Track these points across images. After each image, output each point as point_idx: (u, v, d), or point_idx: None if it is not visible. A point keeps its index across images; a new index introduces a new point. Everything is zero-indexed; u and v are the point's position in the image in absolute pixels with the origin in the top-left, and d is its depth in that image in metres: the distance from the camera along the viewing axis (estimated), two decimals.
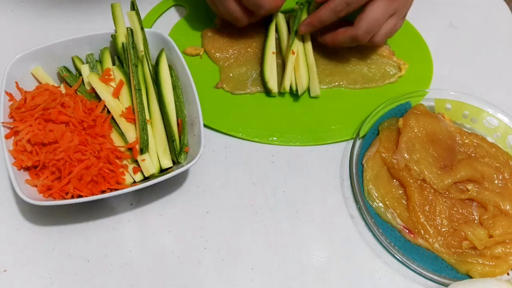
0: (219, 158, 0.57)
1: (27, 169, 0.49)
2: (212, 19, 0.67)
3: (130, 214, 0.52)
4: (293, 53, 0.61)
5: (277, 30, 0.65)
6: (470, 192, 0.53)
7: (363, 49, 0.65)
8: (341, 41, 0.59)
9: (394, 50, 0.66)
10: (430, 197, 0.53)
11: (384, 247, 0.51)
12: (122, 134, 0.52)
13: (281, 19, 0.65)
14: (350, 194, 0.55)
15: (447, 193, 0.53)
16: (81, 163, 0.48)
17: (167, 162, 0.52)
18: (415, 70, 0.65)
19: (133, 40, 0.55)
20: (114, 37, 0.57)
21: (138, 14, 0.57)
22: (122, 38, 0.56)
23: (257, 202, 0.54)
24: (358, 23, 0.56)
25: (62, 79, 0.56)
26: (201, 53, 0.64)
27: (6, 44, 0.63)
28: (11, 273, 0.48)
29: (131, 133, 0.52)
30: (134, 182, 0.52)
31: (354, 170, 0.55)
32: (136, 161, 0.52)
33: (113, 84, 0.55)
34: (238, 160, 0.57)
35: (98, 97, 0.53)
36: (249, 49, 0.65)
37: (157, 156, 0.52)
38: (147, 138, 0.51)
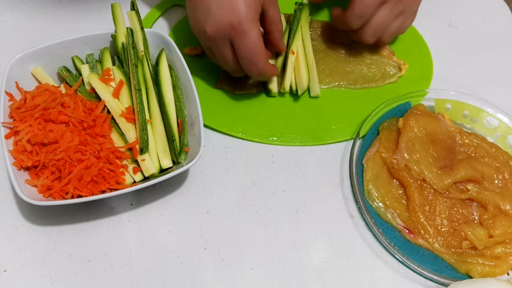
0: (219, 158, 0.57)
1: (27, 169, 0.49)
2: None
3: (130, 214, 0.52)
4: (293, 53, 0.61)
5: None
6: (470, 192, 0.53)
7: (363, 49, 0.65)
8: (352, 36, 0.61)
9: (394, 50, 0.66)
10: (430, 197, 0.53)
11: (384, 247, 0.51)
12: (122, 134, 0.52)
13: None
14: (350, 194, 0.55)
15: (447, 193, 0.53)
16: (81, 163, 0.48)
17: (167, 162, 0.52)
18: (415, 70, 0.65)
19: (133, 40, 0.55)
20: (114, 37, 0.57)
21: (138, 14, 0.57)
22: (122, 38, 0.56)
23: (257, 202, 0.54)
24: (364, 28, 0.58)
25: (62, 79, 0.57)
26: (201, 53, 0.64)
27: (6, 44, 0.63)
28: (11, 273, 0.48)
29: (131, 133, 0.52)
30: (134, 182, 0.52)
31: (354, 170, 0.55)
32: (136, 161, 0.52)
33: (113, 84, 0.55)
34: (238, 160, 0.57)
35: (98, 97, 0.53)
36: None
37: (157, 156, 0.52)
38: (147, 138, 0.51)
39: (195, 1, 0.52)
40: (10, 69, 0.52)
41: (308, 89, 0.61)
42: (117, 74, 0.55)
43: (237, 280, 0.49)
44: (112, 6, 0.57)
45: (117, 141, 0.52)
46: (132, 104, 0.54)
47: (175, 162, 0.53)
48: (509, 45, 0.69)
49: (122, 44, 0.56)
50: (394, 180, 0.55)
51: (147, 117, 0.53)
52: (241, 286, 0.49)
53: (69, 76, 0.55)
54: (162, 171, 0.53)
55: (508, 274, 0.50)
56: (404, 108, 0.60)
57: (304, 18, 0.64)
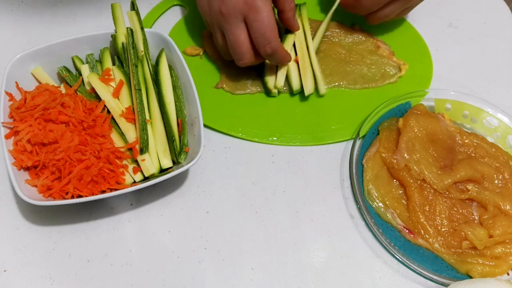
0: (219, 158, 0.57)
1: (27, 169, 0.49)
2: None
3: (130, 214, 0.52)
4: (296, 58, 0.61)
5: None
6: (470, 192, 0.53)
7: (363, 49, 0.65)
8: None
9: (394, 51, 0.66)
10: (430, 197, 0.53)
11: (384, 247, 0.51)
12: (122, 134, 0.52)
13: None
14: (350, 194, 0.55)
15: (447, 193, 0.53)
16: (81, 163, 0.48)
17: (167, 162, 0.52)
18: (415, 70, 0.65)
19: (133, 40, 0.55)
20: (114, 37, 0.57)
21: (138, 14, 0.57)
22: (122, 38, 0.56)
23: (257, 202, 0.54)
24: (369, 15, 0.61)
25: (62, 79, 0.57)
26: (201, 53, 0.64)
27: (6, 44, 0.63)
28: (11, 273, 0.48)
29: (131, 133, 0.52)
30: (134, 182, 0.52)
31: (354, 170, 0.55)
32: (136, 161, 0.52)
33: (113, 84, 0.55)
34: (238, 160, 0.57)
35: (98, 97, 0.53)
36: None
37: (157, 156, 0.52)
38: (147, 138, 0.51)
39: None
40: (10, 69, 0.51)
41: (316, 89, 0.62)
42: (117, 74, 0.55)
43: (237, 280, 0.49)
44: (112, 6, 0.57)
45: (117, 141, 0.52)
46: (132, 104, 0.54)
47: (175, 162, 0.53)
48: (509, 45, 0.69)
49: (122, 44, 0.56)
50: (394, 180, 0.55)
51: (147, 117, 0.53)
52: (241, 286, 0.49)
53: (69, 76, 0.55)
54: (162, 171, 0.53)
55: (508, 274, 0.50)
56: (404, 108, 0.60)
57: (305, 17, 0.64)
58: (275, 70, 0.61)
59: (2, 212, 0.52)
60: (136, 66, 0.54)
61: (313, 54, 0.62)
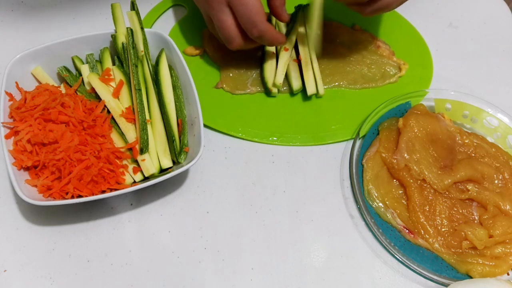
0: (219, 158, 0.57)
1: (27, 169, 0.49)
2: None
3: (130, 214, 0.52)
4: (286, 49, 0.61)
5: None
6: (470, 192, 0.53)
7: (363, 49, 0.65)
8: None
9: (394, 50, 0.66)
10: (430, 197, 0.53)
11: (384, 247, 0.51)
12: (122, 134, 0.52)
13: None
14: (350, 194, 0.55)
15: (447, 193, 0.53)
16: (81, 163, 0.48)
17: (167, 162, 0.52)
18: (415, 70, 0.65)
19: (133, 40, 0.55)
20: (114, 37, 0.57)
21: (138, 14, 0.57)
22: (122, 38, 0.56)
23: (257, 202, 0.54)
24: (366, 6, 0.55)
25: (62, 79, 0.56)
26: (201, 53, 0.64)
27: (6, 44, 0.63)
28: (11, 273, 0.48)
29: (131, 133, 0.52)
30: (134, 182, 0.52)
31: (354, 170, 0.55)
32: (136, 161, 0.52)
33: (113, 84, 0.55)
34: (238, 160, 0.57)
35: (98, 97, 0.53)
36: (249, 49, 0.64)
37: (157, 156, 0.52)
38: (147, 138, 0.51)
39: None
40: (10, 69, 0.51)
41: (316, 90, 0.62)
42: (117, 74, 0.55)
43: (237, 280, 0.49)
44: (112, 6, 0.57)
45: (117, 141, 0.52)
46: (132, 104, 0.54)
47: (175, 162, 0.53)
48: (509, 45, 0.69)
49: (122, 44, 0.56)
50: (394, 180, 0.55)
51: (147, 117, 0.53)
52: (241, 286, 0.49)
53: (69, 76, 0.55)
54: (162, 171, 0.53)
55: (508, 274, 0.50)
56: (404, 108, 0.60)
57: (310, 15, 0.64)
58: (274, 69, 0.61)
59: (2, 212, 0.51)
60: (136, 66, 0.54)
61: (313, 54, 0.62)
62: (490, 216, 0.52)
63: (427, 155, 0.55)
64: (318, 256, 0.51)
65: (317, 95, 0.61)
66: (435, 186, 0.53)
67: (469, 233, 0.51)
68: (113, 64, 0.57)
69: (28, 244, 0.50)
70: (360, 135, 0.57)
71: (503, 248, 0.51)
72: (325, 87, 0.62)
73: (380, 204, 0.53)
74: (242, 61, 0.63)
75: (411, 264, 0.50)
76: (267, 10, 0.68)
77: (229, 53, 0.63)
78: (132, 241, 0.51)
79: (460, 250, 0.51)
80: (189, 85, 0.54)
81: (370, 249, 0.52)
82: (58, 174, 0.48)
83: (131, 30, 0.56)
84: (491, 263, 0.50)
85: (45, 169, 0.48)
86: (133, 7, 0.58)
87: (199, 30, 0.66)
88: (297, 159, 0.57)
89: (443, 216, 0.52)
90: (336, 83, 0.63)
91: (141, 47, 0.56)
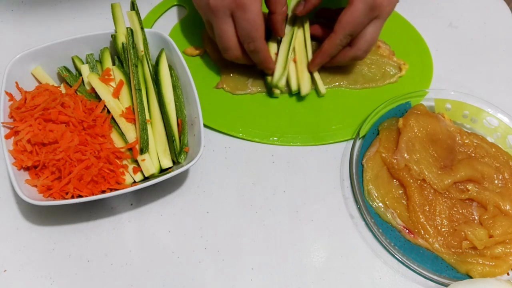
0: (219, 158, 0.57)
1: (27, 169, 0.49)
2: None
3: (130, 214, 0.52)
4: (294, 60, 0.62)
5: None
6: (470, 192, 0.53)
7: None
8: (341, 61, 0.60)
9: (394, 50, 0.66)
10: (430, 197, 0.53)
11: (384, 247, 0.51)
12: (122, 134, 0.52)
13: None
14: (350, 194, 0.55)
15: (447, 193, 0.53)
16: (81, 163, 0.48)
17: (167, 162, 0.52)
18: (415, 70, 0.65)
19: (133, 40, 0.55)
20: (114, 37, 0.57)
21: (138, 14, 0.57)
22: (122, 38, 0.56)
23: (257, 202, 0.54)
24: (357, 44, 0.57)
25: (62, 79, 0.57)
26: (201, 54, 0.64)
27: (6, 44, 0.63)
28: (11, 273, 0.48)
29: (131, 133, 0.52)
30: (134, 182, 0.52)
31: (354, 170, 0.55)
32: (136, 161, 0.52)
33: (113, 84, 0.55)
34: (238, 160, 0.57)
35: (98, 97, 0.53)
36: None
37: (157, 156, 0.52)
38: (147, 138, 0.51)
39: None
40: (10, 69, 0.52)
41: (315, 90, 0.62)
42: (117, 74, 0.55)
43: (237, 280, 0.49)
44: (112, 6, 0.57)
45: (117, 141, 0.52)
46: (132, 104, 0.54)
47: (175, 162, 0.53)
48: (509, 45, 0.69)
49: (122, 44, 0.56)
50: (394, 180, 0.55)
51: (147, 117, 0.53)
52: (241, 286, 0.49)
53: (69, 76, 0.55)
54: (162, 171, 0.53)
55: (508, 274, 0.50)
56: (404, 108, 0.60)
57: (305, 18, 0.64)
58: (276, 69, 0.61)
59: (2, 212, 0.51)
60: (136, 66, 0.54)
61: (311, 55, 0.62)
62: (490, 216, 0.52)
63: (427, 155, 0.55)
64: (318, 256, 0.51)
65: (319, 94, 0.61)
66: (435, 186, 0.53)
67: (469, 233, 0.51)
68: (113, 64, 0.57)
69: (28, 244, 0.50)
70: (360, 135, 0.57)
71: (503, 248, 0.51)
72: (326, 87, 0.62)
73: (380, 204, 0.53)
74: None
75: (411, 264, 0.50)
76: (264, 9, 0.68)
77: None
78: (132, 241, 0.51)
79: (460, 250, 0.51)
80: (189, 85, 0.54)
81: (370, 249, 0.52)
82: (58, 174, 0.48)
83: (131, 30, 0.56)
84: (491, 263, 0.50)
85: (45, 169, 0.48)
86: (133, 7, 0.58)
87: (199, 31, 0.66)
88: (297, 159, 0.57)
89: (443, 216, 0.52)
90: (337, 83, 0.63)
91: (141, 47, 0.56)
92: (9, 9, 0.67)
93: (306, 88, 0.60)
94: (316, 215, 0.54)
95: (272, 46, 0.62)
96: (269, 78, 0.60)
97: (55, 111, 0.49)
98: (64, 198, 0.48)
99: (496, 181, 0.55)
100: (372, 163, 0.55)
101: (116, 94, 0.54)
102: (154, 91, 0.54)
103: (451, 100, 0.60)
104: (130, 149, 0.52)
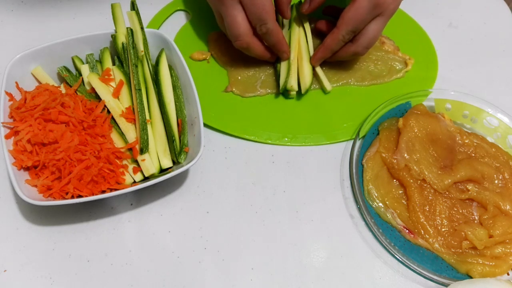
0: (219, 158, 0.57)
1: (27, 169, 0.49)
2: (217, 23, 0.67)
3: (130, 214, 0.52)
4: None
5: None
6: (470, 192, 0.53)
7: None
8: (342, 57, 0.60)
9: (398, 46, 0.66)
10: (430, 197, 0.53)
11: (384, 247, 0.51)
12: (122, 134, 0.52)
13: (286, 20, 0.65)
14: (350, 194, 0.55)
15: (447, 193, 0.53)
16: (81, 163, 0.48)
17: (167, 162, 0.52)
18: (421, 64, 0.65)
19: (133, 40, 0.55)
20: (114, 37, 0.56)
21: (138, 14, 0.57)
22: (122, 38, 0.56)
23: (257, 202, 0.54)
24: (359, 41, 0.57)
25: (62, 79, 0.57)
26: (208, 58, 0.64)
27: (6, 44, 0.63)
28: (11, 273, 0.48)
29: (131, 133, 0.52)
30: (134, 182, 0.52)
31: (354, 170, 0.55)
32: (136, 161, 0.52)
33: (113, 84, 0.55)
34: (238, 160, 0.57)
35: (98, 97, 0.53)
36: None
37: (157, 156, 0.52)
38: (147, 138, 0.51)
39: None
40: (10, 69, 0.51)
41: (320, 87, 0.62)
42: (117, 74, 0.55)
43: (237, 280, 0.49)
44: (112, 6, 0.57)
45: (117, 141, 0.52)
46: (132, 104, 0.54)
47: (175, 162, 0.53)
48: (509, 45, 0.69)
49: (122, 44, 0.56)
50: (394, 180, 0.55)
51: (147, 117, 0.53)
52: (241, 286, 0.49)
53: (69, 76, 0.55)
54: (162, 171, 0.53)
55: (508, 274, 0.50)
56: (404, 108, 0.60)
57: (304, 15, 0.64)
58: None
59: (2, 212, 0.51)
60: (136, 66, 0.54)
61: (312, 51, 0.62)
62: (490, 216, 0.52)
63: (427, 155, 0.55)
64: (318, 256, 0.51)
65: (325, 92, 0.62)
66: (435, 186, 0.53)
67: (469, 233, 0.51)
68: (113, 64, 0.57)
69: (28, 244, 0.50)
70: (360, 135, 0.57)
71: (503, 248, 0.51)
72: (334, 85, 0.62)
73: (380, 204, 0.53)
74: (250, 64, 0.63)
75: (411, 264, 0.50)
76: None
77: (236, 57, 0.63)
78: (132, 241, 0.51)
79: (460, 250, 0.51)
80: (189, 85, 0.54)
81: (370, 249, 0.52)
82: (58, 174, 0.48)
83: (131, 30, 0.56)
84: (491, 263, 0.50)
85: (45, 169, 0.48)
86: (133, 7, 0.58)
87: (204, 35, 0.66)
88: (297, 159, 0.57)
89: (443, 216, 0.52)
90: (344, 81, 0.63)
91: (141, 47, 0.56)
92: (9, 9, 0.67)
93: (307, 83, 0.60)
94: (316, 215, 0.54)
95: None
96: (281, 82, 0.60)
97: (55, 111, 0.49)
98: (64, 198, 0.48)
99: (496, 181, 0.55)
100: (372, 163, 0.55)
101: (116, 94, 0.54)
102: (154, 91, 0.54)
103: (451, 100, 0.60)
104: (130, 149, 0.52)
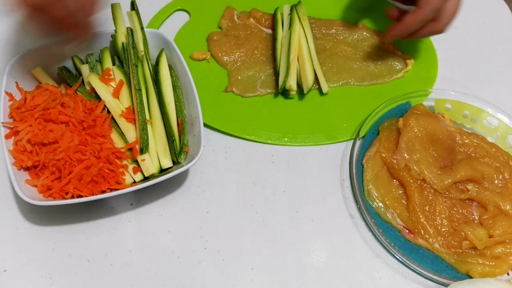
0: (219, 158, 0.57)
1: (27, 169, 0.49)
2: (216, 23, 0.67)
3: (130, 214, 0.52)
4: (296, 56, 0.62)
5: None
6: (470, 192, 0.53)
7: (368, 46, 0.66)
8: (421, 36, 0.60)
9: (399, 47, 0.66)
10: (430, 197, 0.53)
11: (384, 247, 0.51)
12: (122, 134, 0.52)
13: (285, 20, 0.65)
14: (350, 194, 0.55)
15: (447, 193, 0.53)
16: (81, 163, 0.48)
17: (167, 162, 0.52)
18: (421, 65, 0.65)
19: (133, 40, 0.55)
20: (114, 37, 0.56)
21: (138, 14, 0.57)
22: (122, 38, 0.56)
23: (257, 202, 0.54)
24: (441, 19, 0.56)
25: (62, 79, 0.56)
26: (208, 57, 0.64)
27: (6, 44, 0.63)
28: (11, 273, 0.48)
29: (131, 133, 0.52)
30: (134, 182, 0.52)
31: (354, 170, 0.55)
32: (136, 161, 0.52)
33: (113, 84, 0.55)
34: (238, 160, 0.57)
35: (98, 97, 0.53)
36: (255, 51, 0.64)
37: (157, 156, 0.52)
38: (147, 138, 0.51)
39: None
40: (10, 69, 0.52)
41: (319, 88, 0.62)
42: (117, 74, 0.55)
43: (237, 280, 0.49)
44: (112, 6, 0.57)
45: (117, 141, 0.52)
46: (132, 104, 0.54)
47: (175, 162, 0.53)
48: (509, 45, 0.69)
49: (122, 44, 0.56)
50: (394, 180, 0.55)
51: (147, 117, 0.53)
52: (241, 286, 0.49)
53: (69, 76, 0.55)
54: (162, 171, 0.53)
55: (508, 274, 0.50)
56: (404, 108, 0.60)
57: (303, 15, 0.63)
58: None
59: (2, 212, 0.51)
60: (136, 66, 0.54)
61: (313, 51, 0.62)
62: (490, 216, 0.52)
63: (427, 155, 0.55)
64: (318, 256, 0.51)
65: (321, 93, 0.61)
66: (435, 186, 0.53)
67: (469, 233, 0.51)
68: (113, 64, 0.57)
69: (28, 244, 0.50)
70: (360, 135, 0.57)
71: (503, 248, 0.51)
72: (334, 85, 0.62)
73: (380, 204, 0.53)
74: (250, 64, 0.63)
75: (411, 264, 0.50)
76: (268, 10, 0.68)
77: (236, 57, 0.63)
78: (132, 241, 0.51)
79: (460, 250, 0.51)
80: (189, 85, 0.54)
81: (370, 249, 0.52)
82: (58, 174, 0.48)
83: (131, 30, 0.56)
84: (491, 263, 0.50)
85: (45, 169, 0.48)
86: (133, 7, 0.58)
87: (204, 34, 0.66)
88: (297, 159, 0.57)
89: (443, 216, 0.52)
90: (345, 81, 0.63)
91: (141, 47, 0.56)
92: (9, 8, 0.67)
93: (309, 83, 0.60)
94: (316, 215, 0.54)
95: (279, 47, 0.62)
96: (280, 82, 0.60)
97: (55, 111, 0.49)
98: (64, 198, 0.48)
99: (496, 181, 0.55)
100: (372, 163, 0.55)
101: (116, 94, 0.54)
102: (154, 91, 0.54)
103: (451, 100, 0.60)
104: (130, 149, 0.52)
